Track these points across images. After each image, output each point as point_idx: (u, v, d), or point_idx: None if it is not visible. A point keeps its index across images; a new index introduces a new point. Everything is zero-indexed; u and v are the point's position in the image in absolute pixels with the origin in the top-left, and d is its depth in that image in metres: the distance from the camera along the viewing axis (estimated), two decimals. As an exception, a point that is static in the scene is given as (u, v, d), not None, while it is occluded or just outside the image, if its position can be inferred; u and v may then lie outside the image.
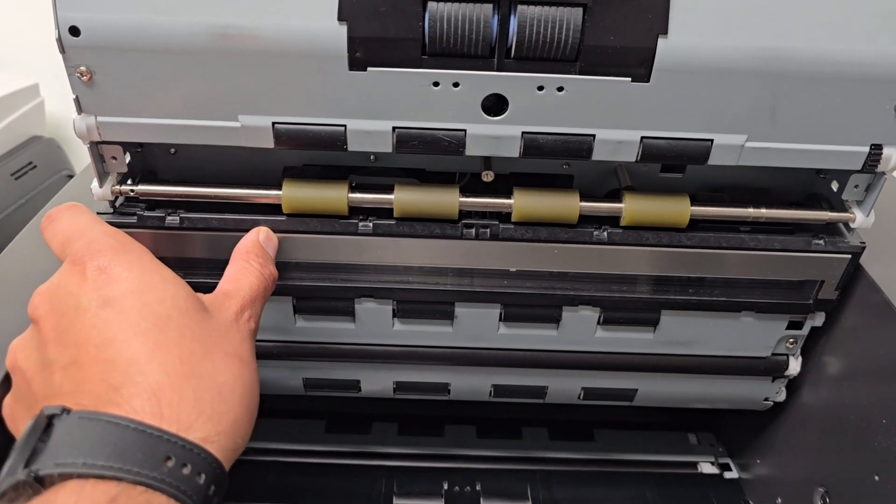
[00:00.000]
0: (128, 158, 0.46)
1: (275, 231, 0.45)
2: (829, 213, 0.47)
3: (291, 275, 0.49)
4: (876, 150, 0.43)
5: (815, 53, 0.39)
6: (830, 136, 0.42)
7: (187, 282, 0.38)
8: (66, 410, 0.31)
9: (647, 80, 0.40)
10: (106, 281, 0.36)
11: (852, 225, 0.47)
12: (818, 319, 0.52)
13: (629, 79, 0.40)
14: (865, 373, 0.50)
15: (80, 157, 0.95)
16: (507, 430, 0.69)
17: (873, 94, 0.41)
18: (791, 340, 0.53)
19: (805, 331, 0.53)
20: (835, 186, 0.48)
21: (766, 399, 0.58)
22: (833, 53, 0.39)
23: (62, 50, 0.39)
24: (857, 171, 0.44)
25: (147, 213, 0.46)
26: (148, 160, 0.49)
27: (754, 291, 0.50)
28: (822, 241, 0.47)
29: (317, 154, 0.49)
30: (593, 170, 0.50)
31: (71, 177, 0.89)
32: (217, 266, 0.46)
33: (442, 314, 0.51)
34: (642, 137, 0.42)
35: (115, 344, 0.33)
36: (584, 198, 0.46)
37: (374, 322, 0.52)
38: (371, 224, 0.46)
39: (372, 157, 0.49)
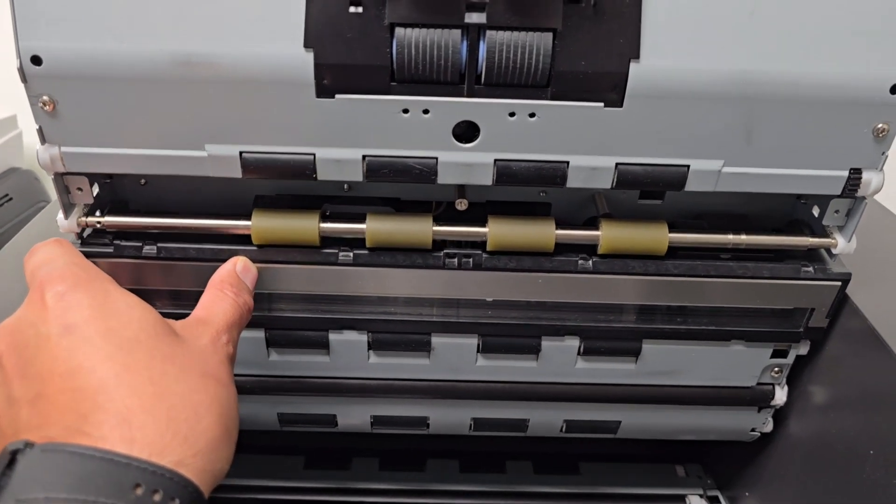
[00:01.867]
0: (95, 190, 0.45)
1: (252, 261, 0.44)
2: (811, 239, 0.46)
3: (264, 306, 0.48)
4: (855, 174, 0.42)
5: (790, 76, 0.39)
6: (809, 161, 0.42)
7: (162, 313, 0.37)
8: (28, 445, 0.30)
9: (621, 106, 0.39)
10: (66, 307, 0.34)
11: (834, 251, 0.46)
12: (803, 348, 0.51)
13: (602, 104, 0.39)
14: (852, 402, 0.48)
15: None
16: (491, 465, 0.67)
17: (851, 118, 0.40)
18: (776, 369, 0.52)
19: (790, 359, 0.52)
20: (816, 212, 0.47)
21: (753, 430, 0.56)
22: (809, 76, 0.39)
23: (24, 79, 0.39)
24: (837, 196, 0.44)
25: (124, 243, 0.45)
26: (118, 191, 0.48)
27: (741, 320, 0.49)
28: (811, 269, 0.46)
29: (290, 183, 0.48)
30: (571, 197, 0.50)
31: (49, 209, 0.88)
32: (194, 297, 0.44)
33: (418, 346, 0.49)
34: (617, 164, 0.41)
35: (82, 372, 0.32)
36: (560, 225, 0.45)
37: (349, 355, 0.50)
38: (352, 254, 0.45)
39: (345, 185, 0.49)
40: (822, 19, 0.38)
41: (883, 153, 0.42)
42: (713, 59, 0.38)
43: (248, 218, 0.45)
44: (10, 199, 0.80)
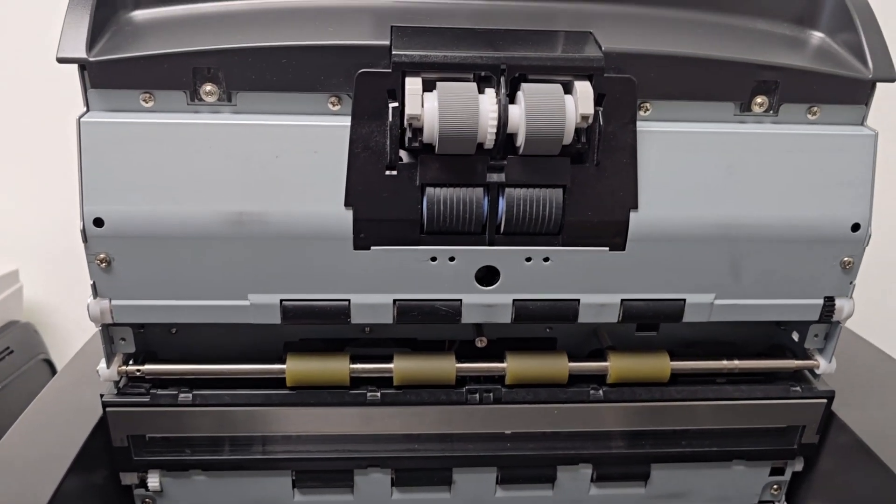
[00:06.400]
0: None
1: (281, 405, 0.47)
2: (796, 362, 0.51)
3: (291, 448, 0.49)
4: (829, 301, 0.47)
5: (767, 220, 0.45)
6: (789, 292, 0.47)
7: (195, 460, 0.38)
8: None
9: (623, 249, 0.44)
10: None
11: (817, 371, 0.51)
12: (798, 465, 0.55)
13: (607, 248, 0.44)
14: (850, 515, 0.52)
15: (56, 342, 0.95)
16: None
17: (821, 254, 0.46)
18: (775, 487, 0.55)
19: (787, 476, 0.55)
20: (795, 336, 0.52)
21: (758, 550, 0.58)
22: (782, 219, 0.45)
23: (85, 240, 0.42)
24: (815, 322, 0.49)
25: (160, 392, 0.47)
26: (148, 340, 0.51)
27: (740, 440, 0.53)
28: (798, 388, 0.51)
29: (312, 327, 0.51)
30: (574, 332, 0.54)
31: (47, 360, 0.89)
32: (229, 443, 0.46)
33: (440, 480, 0.51)
34: (622, 300, 0.46)
35: None
36: (570, 359, 0.49)
37: (373, 492, 0.52)
38: (379, 394, 0.48)
39: (367, 328, 0.52)
40: (790, 172, 0.44)
41: (851, 282, 0.48)
42: (699, 207, 0.44)
43: (276, 362, 0.48)
44: (11, 351, 0.81)
